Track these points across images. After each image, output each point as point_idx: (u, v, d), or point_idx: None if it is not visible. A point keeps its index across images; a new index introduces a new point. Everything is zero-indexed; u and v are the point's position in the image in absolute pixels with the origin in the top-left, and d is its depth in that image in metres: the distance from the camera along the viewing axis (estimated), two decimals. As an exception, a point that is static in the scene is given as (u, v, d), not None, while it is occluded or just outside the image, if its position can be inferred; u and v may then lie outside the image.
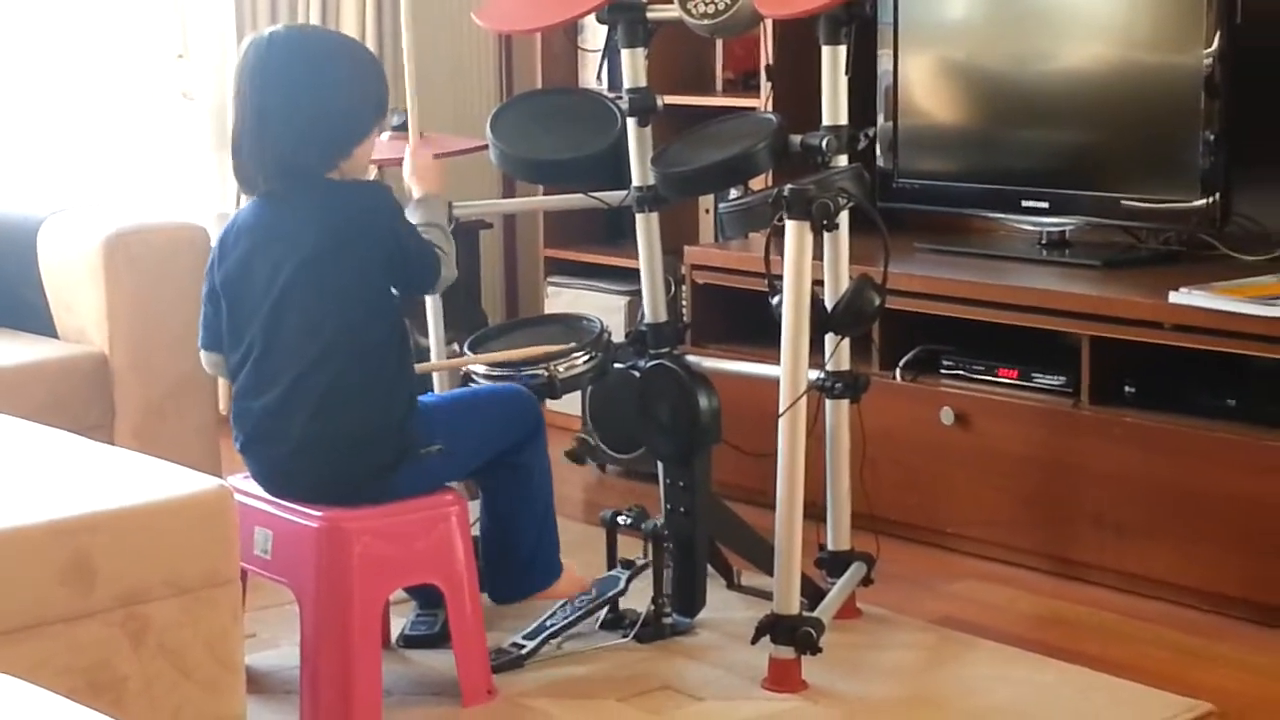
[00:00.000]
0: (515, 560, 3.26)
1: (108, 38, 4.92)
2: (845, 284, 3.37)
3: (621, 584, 3.46)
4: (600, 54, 3.90)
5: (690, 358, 3.62)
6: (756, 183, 3.81)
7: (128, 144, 5.01)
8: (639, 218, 3.63)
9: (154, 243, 3.89)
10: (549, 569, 3.30)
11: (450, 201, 3.65)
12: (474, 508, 3.30)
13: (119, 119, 4.99)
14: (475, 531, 3.26)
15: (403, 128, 3.83)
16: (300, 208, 3.01)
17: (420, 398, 3.13)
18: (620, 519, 3.54)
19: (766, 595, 3.30)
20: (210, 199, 5.06)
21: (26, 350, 3.85)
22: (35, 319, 4.00)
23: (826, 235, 3.32)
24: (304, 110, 3.01)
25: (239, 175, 3.08)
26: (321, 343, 2.97)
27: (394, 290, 3.06)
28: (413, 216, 3.15)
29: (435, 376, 3.72)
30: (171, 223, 3.99)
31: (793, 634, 3.13)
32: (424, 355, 3.72)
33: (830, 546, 3.54)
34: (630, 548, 3.57)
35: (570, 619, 3.38)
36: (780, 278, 3.18)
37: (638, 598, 3.45)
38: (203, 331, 3.15)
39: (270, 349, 3.00)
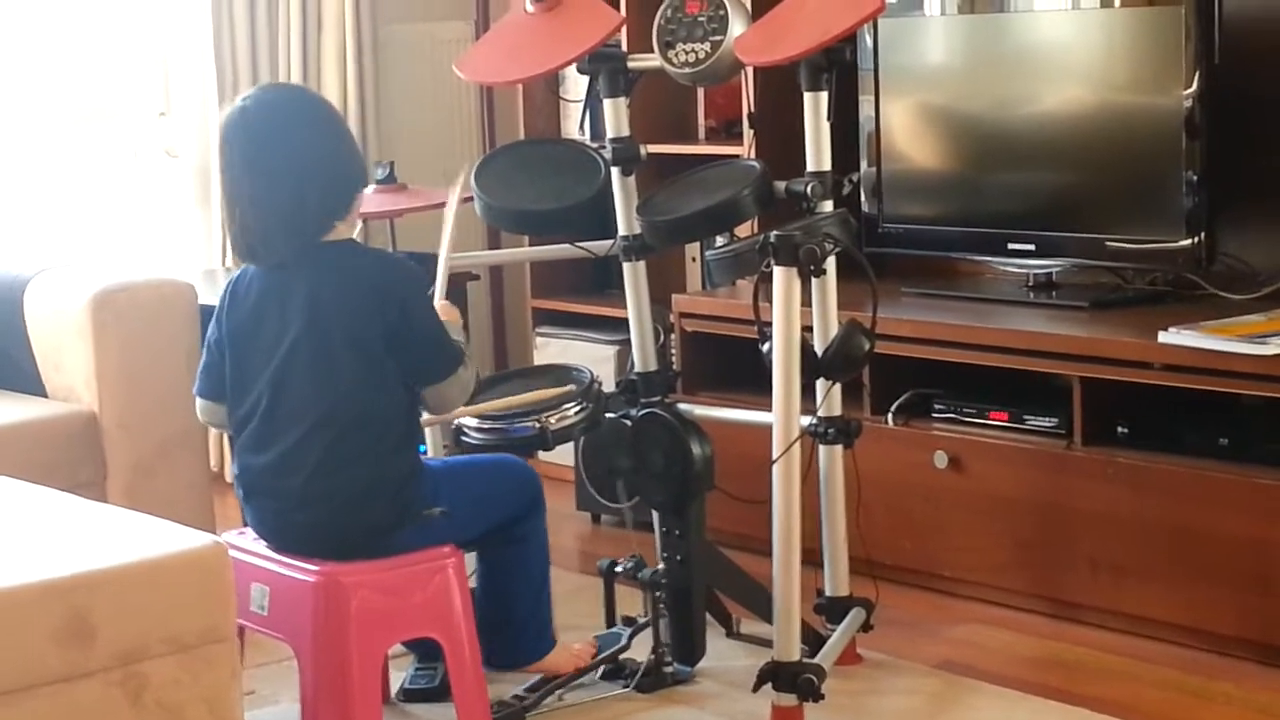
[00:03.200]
0: (509, 629, 3.26)
1: (91, 96, 4.92)
2: (834, 329, 3.37)
3: (624, 641, 3.46)
4: (582, 104, 3.91)
5: (682, 405, 3.62)
6: (742, 230, 3.82)
7: (112, 202, 5.01)
8: (626, 267, 3.63)
9: (140, 300, 3.88)
10: (541, 641, 3.31)
11: (438, 254, 3.65)
12: (469, 560, 3.29)
13: (103, 177, 4.99)
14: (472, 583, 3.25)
15: (388, 180, 3.84)
16: (314, 269, 2.98)
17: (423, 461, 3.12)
18: (618, 568, 3.53)
19: (766, 643, 3.29)
20: (195, 255, 5.06)
21: (15, 410, 3.83)
22: (23, 378, 3.99)
23: (814, 281, 3.32)
24: (308, 170, 2.96)
25: (240, 246, 3.01)
26: (325, 404, 2.95)
27: (399, 367, 2.98)
28: None
29: (428, 430, 3.70)
30: (157, 280, 3.99)
31: (794, 681, 3.12)
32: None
33: (828, 592, 3.53)
34: (627, 596, 3.56)
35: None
36: (769, 324, 3.18)
37: (638, 647, 3.44)
38: (201, 379, 3.12)
39: (276, 406, 2.98)
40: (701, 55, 3.43)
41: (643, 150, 3.59)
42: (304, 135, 2.99)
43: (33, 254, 4.33)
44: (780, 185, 3.37)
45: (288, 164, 2.96)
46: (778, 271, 3.15)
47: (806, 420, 3.33)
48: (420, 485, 3.03)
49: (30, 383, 3.98)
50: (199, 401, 3.15)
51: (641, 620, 3.49)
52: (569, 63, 3.61)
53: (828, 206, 3.38)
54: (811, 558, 3.35)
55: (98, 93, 4.94)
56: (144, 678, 2.53)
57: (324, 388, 2.95)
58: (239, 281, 3.07)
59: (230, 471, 3.23)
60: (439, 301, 3.27)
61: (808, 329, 3.32)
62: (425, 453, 3.55)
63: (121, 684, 2.51)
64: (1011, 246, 4.12)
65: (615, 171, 3.58)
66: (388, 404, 2.99)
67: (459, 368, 3.05)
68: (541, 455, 3.56)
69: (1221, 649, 3.52)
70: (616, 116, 3.60)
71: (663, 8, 3.50)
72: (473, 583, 3.28)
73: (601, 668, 3.42)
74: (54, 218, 4.90)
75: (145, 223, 5.05)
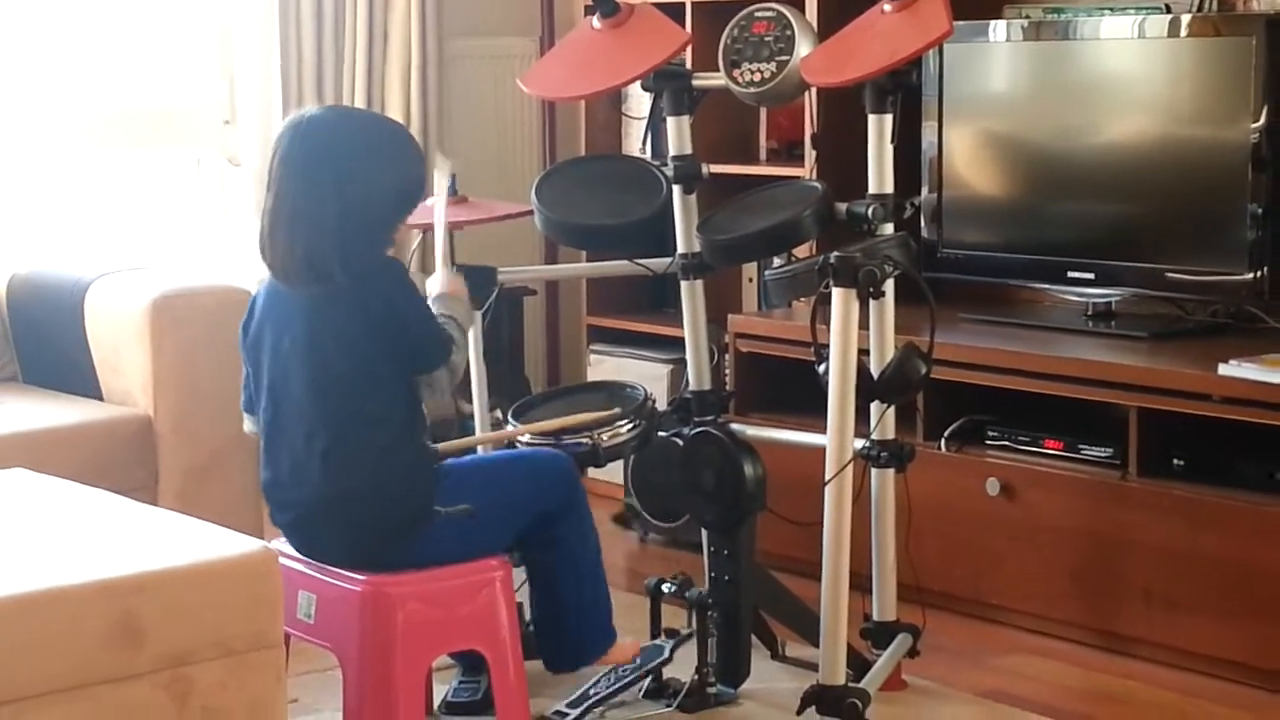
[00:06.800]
0: (564, 628, 3.21)
1: (157, 103, 4.96)
2: (891, 352, 3.36)
3: (666, 653, 3.44)
4: (645, 121, 3.90)
5: (734, 425, 3.60)
6: (800, 251, 3.81)
7: (174, 208, 5.04)
8: (684, 285, 3.62)
9: (199, 306, 3.91)
10: (605, 635, 3.24)
11: (495, 268, 3.66)
12: (517, 575, 3.28)
13: (166, 183, 5.02)
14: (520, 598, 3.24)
15: (450, 191, 3.84)
16: None
17: (450, 460, 3.10)
18: (665, 587, 3.52)
19: (812, 666, 3.27)
20: (255, 263, 5.07)
21: (72, 412, 3.86)
22: (82, 381, 4.02)
23: (872, 303, 3.30)
24: (349, 208, 2.93)
25: (269, 261, 3.00)
26: (318, 411, 2.95)
27: (393, 363, 2.95)
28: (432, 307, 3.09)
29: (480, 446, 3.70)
30: (217, 286, 4.01)
31: (839, 705, 3.10)
32: (468, 422, 3.72)
33: (876, 617, 3.51)
34: (674, 616, 3.55)
35: (614, 688, 3.36)
36: (826, 345, 3.17)
37: (682, 667, 3.42)
38: (244, 393, 3.13)
39: (279, 419, 3.01)
40: (767, 75, 3.43)
41: (704, 169, 3.59)
42: (367, 165, 2.97)
43: (94, 258, 4.36)
44: (841, 207, 3.36)
45: (340, 195, 2.94)
46: (837, 293, 3.14)
47: (859, 443, 3.32)
48: (434, 482, 3.01)
49: (88, 386, 4.01)
50: (245, 418, 3.15)
51: (684, 633, 3.47)
52: (633, 80, 3.61)
53: (888, 229, 3.37)
54: (859, 582, 3.33)
55: (164, 100, 4.98)
56: (190, 681, 2.54)
57: (316, 394, 2.96)
58: (256, 294, 3.09)
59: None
60: (442, 272, 3.21)
61: (864, 351, 3.31)
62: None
63: (168, 687, 2.52)
64: (1071, 275, 4.10)
65: (677, 190, 3.58)
66: (381, 403, 2.96)
67: (450, 356, 3.01)
68: (591, 473, 3.55)
69: (1275, 686, 3.48)
70: (679, 135, 3.59)
71: (729, 27, 3.50)
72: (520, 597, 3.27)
73: (644, 686, 3.41)
74: (117, 222, 4.93)
75: (207, 229, 5.08)
